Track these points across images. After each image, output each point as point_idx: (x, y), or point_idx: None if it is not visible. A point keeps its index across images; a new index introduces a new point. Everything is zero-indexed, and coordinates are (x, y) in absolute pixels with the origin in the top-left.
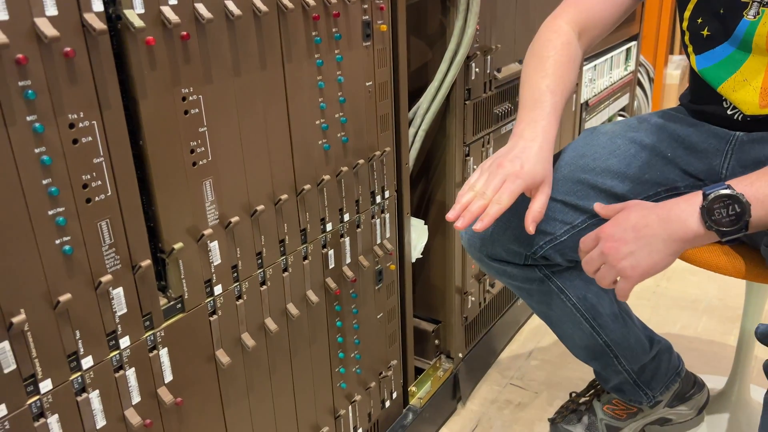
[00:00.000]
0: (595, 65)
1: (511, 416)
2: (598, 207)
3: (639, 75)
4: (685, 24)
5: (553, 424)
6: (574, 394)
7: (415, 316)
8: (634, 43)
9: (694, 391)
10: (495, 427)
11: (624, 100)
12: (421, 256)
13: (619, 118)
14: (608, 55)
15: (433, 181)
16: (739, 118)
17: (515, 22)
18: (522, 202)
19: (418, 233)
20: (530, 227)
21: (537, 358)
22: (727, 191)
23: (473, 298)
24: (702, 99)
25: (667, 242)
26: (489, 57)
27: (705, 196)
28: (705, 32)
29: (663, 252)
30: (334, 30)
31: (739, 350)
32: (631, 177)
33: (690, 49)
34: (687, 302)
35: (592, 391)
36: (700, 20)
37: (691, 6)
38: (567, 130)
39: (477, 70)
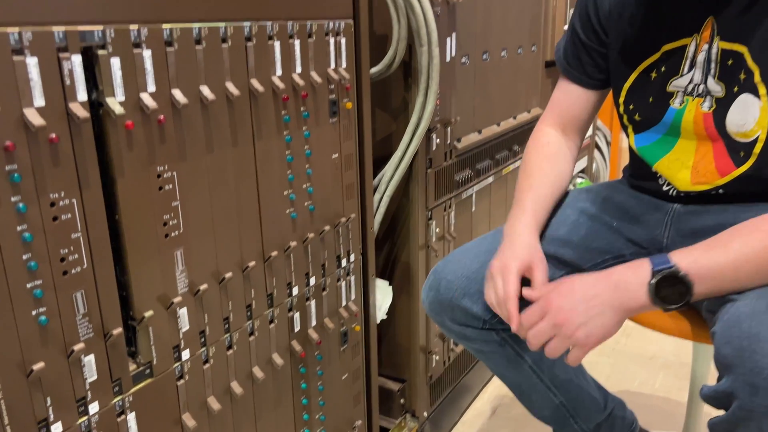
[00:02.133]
0: None
1: None
2: (526, 292)
3: (597, 139)
4: (620, 109)
5: None
6: None
7: (380, 375)
8: None
9: None
10: None
11: (583, 163)
12: (386, 317)
13: (579, 180)
14: None
15: (398, 244)
16: (674, 194)
17: (474, 97)
18: (479, 269)
19: (382, 294)
20: (535, 296)
21: (501, 417)
22: (672, 271)
23: (438, 357)
24: (640, 175)
25: (617, 311)
26: (449, 128)
27: (653, 273)
28: (637, 117)
29: (613, 319)
30: (302, 109)
31: (690, 407)
32: (580, 245)
33: (629, 129)
34: (645, 359)
35: None
36: (632, 107)
37: (623, 94)
38: None
39: (438, 141)
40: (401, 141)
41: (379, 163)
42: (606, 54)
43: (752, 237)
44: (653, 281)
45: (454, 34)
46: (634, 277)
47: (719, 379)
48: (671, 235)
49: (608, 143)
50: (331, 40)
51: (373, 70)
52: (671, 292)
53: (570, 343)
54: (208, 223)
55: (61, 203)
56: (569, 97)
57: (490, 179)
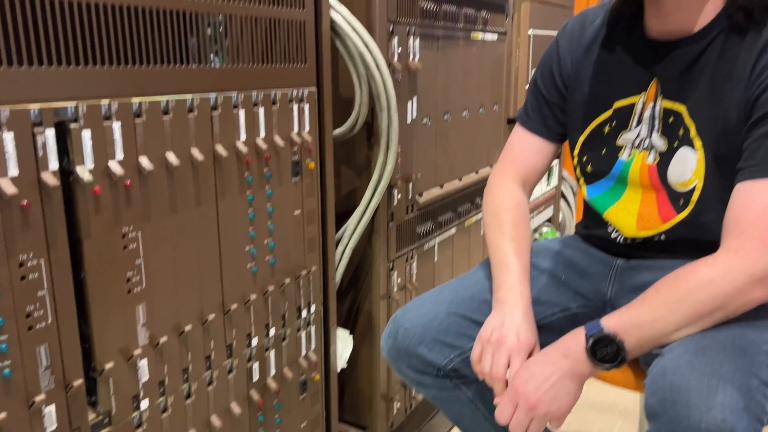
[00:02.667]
0: None
1: None
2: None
3: (563, 189)
4: (575, 161)
5: None
6: None
7: (342, 422)
8: (556, 160)
9: None
10: None
11: (549, 212)
12: (346, 365)
13: (545, 229)
14: None
15: (361, 294)
16: (621, 240)
17: (436, 154)
18: (434, 318)
19: (343, 343)
20: None
21: None
22: (603, 333)
23: (399, 405)
24: (592, 224)
25: (573, 378)
26: (411, 184)
27: (587, 338)
28: (590, 168)
29: (574, 387)
30: (265, 170)
31: None
32: (532, 299)
33: (581, 180)
34: (605, 405)
35: None
36: (585, 158)
37: (578, 147)
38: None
39: (399, 196)
40: (363, 196)
41: (344, 216)
42: (565, 109)
43: (671, 289)
44: (588, 345)
45: (415, 98)
46: (574, 344)
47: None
48: (615, 289)
49: (574, 193)
50: (295, 107)
51: (338, 131)
52: (607, 353)
53: (547, 419)
54: (170, 279)
55: (29, 263)
56: (529, 148)
57: (453, 230)
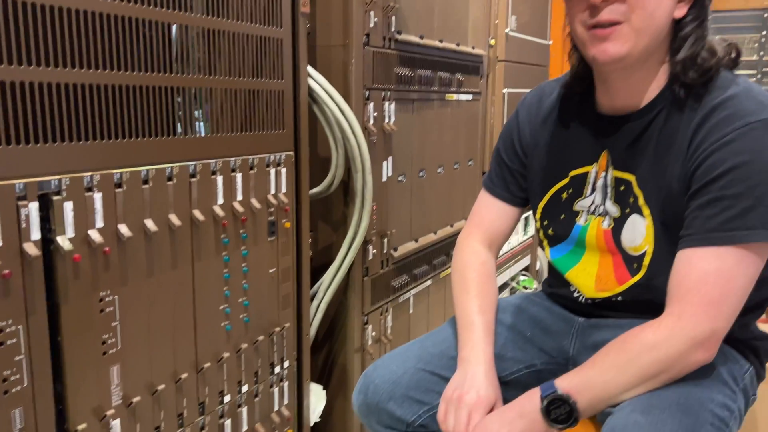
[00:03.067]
0: None
1: None
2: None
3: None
4: (538, 224)
5: None
6: None
7: None
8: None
9: None
10: None
11: (526, 261)
12: (320, 419)
13: (522, 278)
14: None
15: (336, 347)
16: (582, 300)
17: (411, 208)
18: (403, 375)
19: (316, 398)
20: None
21: None
22: (557, 394)
23: None
24: (555, 283)
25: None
26: (386, 239)
27: (541, 399)
28: (551, 232)
29: None
30: (241, 231)
31: None
32: (496, 355)
33: (545, 243)
34: None
35: None
36: (546, 222)
37: (539, 212)
38: None
39: (374, 251)
40: (339, 252)
41: (320, 271)
42: (525, 175)
43: (619, 352)
44: (543, 406)
45: (390, 158)
46: (530, 404)
47: None
48: (576, 346)
49: None
50: (272, 171)
51: (315, 189)
52: (560, 413)
53: None
54: (145, 340)
55: (8, 330)
56: (494, 212)
57: (428, 282)
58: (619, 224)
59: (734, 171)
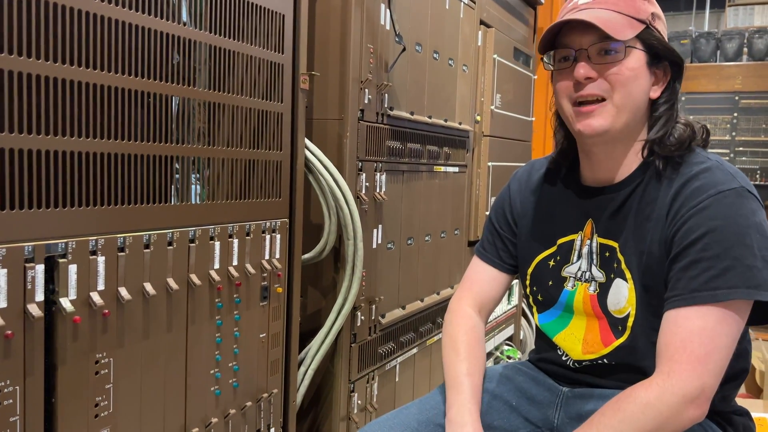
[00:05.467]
0: None
1: None
2: None
3: (524, 306)
4: (527, 290)
5: None
6: None
7: None
8: (516, 280)
9: None
10: None
11: (510, 330)
12: None
13: (506, 348)
14: None
15: (321, 415)
16: (570, 363)
17: (399, 277)
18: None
19: None
20: None
21: None
22: None
23: None
24: (544, 346)
25: None
26: (374, 306)
27: None
28: (540, 297)
29: None
30: (235, 296)
31: None
32: (483, 424)
33: (534, 309)
34: None
35: None
36: (535, 288)
37: (528, 278)
38: None
39: (362, 317)
40: (328, 318)
41: (309, 336)
42: (515, 243)
43: (614, 413)
44: None
45: (380, 226)
46: None
47: None
48: (560, 416)
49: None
50: (267, 237)
51: (307, 255)
52: None
53: None
54: (136, 403)
55: (5, 390)
56: (485, 277)
57: (414, 350)
58: (604, 289)
59: (710, 234)
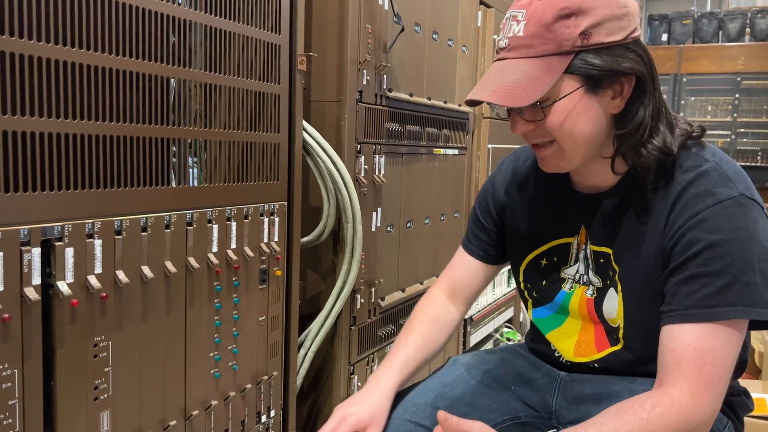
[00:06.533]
0: None
1: None
2: (441, 415)
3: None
4: (521, 285)
5: None
6: None
7: None
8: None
9: None
10: None
11: (509, 313)
12: None
13: (505, 330)
14: None
15: (321, 397)
16: (562, 361)
17: (398, 260)
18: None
19: None
20: None
21: None
22: None
23: None
24: (537, 341)
25: None
26: (374, 289)
27: None
28: (535, 294)
29: None
30: (234, 279)
31: None
32: (481, 406)
33: (529, 303)
34: None
35: None
36: (529, 285)
37: (520, 275)
38: (451, 344)
39: (362, 300)
40: (327, 301)
41: (308, 319)
42: (500, 236)
43: (621, 419)
44: None
45: (379, 209)
46: None
47: None
48: (558, 400)
49: None
50: (266, 220)
51: (306, 238)
52: None
53: None
54: (136, 386)
55: (3, 374)
56: (464, 266)
57: None
58: (601, 294)
59: (710, 250)
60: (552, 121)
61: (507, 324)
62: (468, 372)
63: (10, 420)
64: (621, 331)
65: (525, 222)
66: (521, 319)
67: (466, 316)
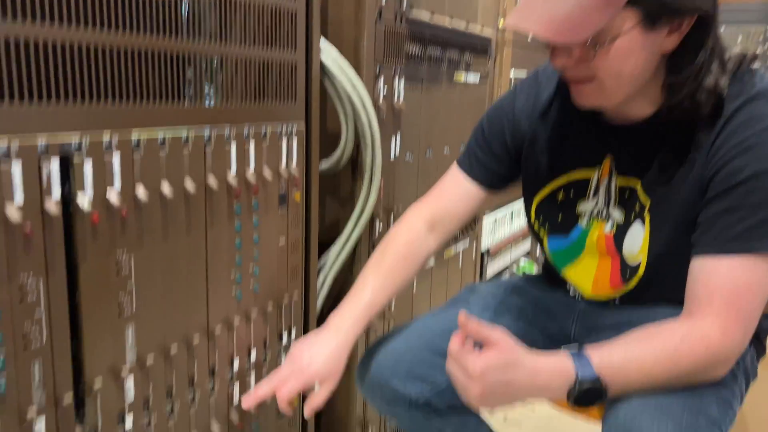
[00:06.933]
0: (496, 219)
1: None
2: (462, 317)
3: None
4: (532, 218)
5: None
6: None
7: None
8: None
9: None
10: None
11: (527, 245)
12: None
13: (523, 261)
14: (510, 209)
15: None
16: (578, 298)
17: (417, 188)
18: (405, 352)
19: None
20: (306, 414)
21: None
22: (593, 385)
23: (374, 430)
24: (551, 277)
25: (531, 395)
26: (392, 215)
27: (577, 382)
28: (548, 228)
29: (522, 398)
30: (253, 200)
31: None
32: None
33: (542, 234)
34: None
35: None
36: (541, 219)
37: (533, 209)
38: (468, 274)
39: (381, 227)
40: (346, 227)
41: (327, 246)
42: (509, 164)
43: (667, 363)
44: (574, 393)
45: (398, 135)
46: (559, 379)
47: None
48: (577, 329)
49: None
50: (284, 141)
51: (324, 165)
52: (588, 398)
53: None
54: (159, 303)
55: (28, 287)
56: (459, 191)
57: (431, 262)
58: (621, 230)
59: (755, 179)
60: (601, 59)
61: (525, 256)
62: (484, 299)
63: (37, 332)
64: (641, 269)
65: (544, 153)
66: (538, 252)
67: (483, 249)
